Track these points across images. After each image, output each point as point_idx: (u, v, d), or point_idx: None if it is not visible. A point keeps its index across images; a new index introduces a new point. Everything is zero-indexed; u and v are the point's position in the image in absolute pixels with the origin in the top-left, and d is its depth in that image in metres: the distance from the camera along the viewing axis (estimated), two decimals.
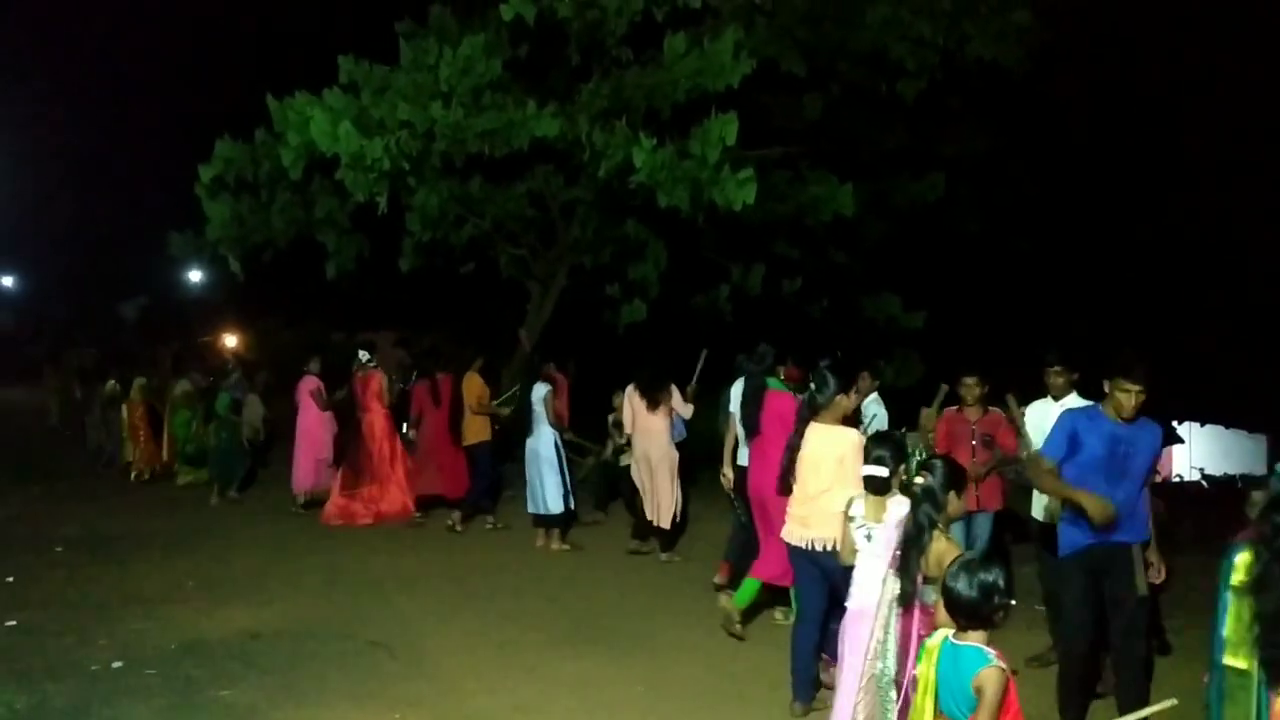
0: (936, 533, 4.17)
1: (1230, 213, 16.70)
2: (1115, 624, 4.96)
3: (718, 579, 7.65)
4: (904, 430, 7.16)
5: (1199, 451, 21.47)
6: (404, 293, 17.57)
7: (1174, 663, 6.03)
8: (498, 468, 10.69)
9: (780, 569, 6.45)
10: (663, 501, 8.80)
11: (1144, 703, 4.30)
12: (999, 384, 6.87)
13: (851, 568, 4.67)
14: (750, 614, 7.02)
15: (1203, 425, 22.26)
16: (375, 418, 10.85)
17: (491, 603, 7.68)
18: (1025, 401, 6.47)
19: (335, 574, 8.51)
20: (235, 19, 32.20)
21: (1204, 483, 15.23)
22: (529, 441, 9.47)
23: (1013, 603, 3.38)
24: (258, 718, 5.49)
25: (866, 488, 4.63)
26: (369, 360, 11.06)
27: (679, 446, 9.06)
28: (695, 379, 9.26)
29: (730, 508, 8.02)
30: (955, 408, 7.12)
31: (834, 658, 5.04)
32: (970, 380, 6.97)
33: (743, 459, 7.35)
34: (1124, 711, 4.25)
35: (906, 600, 4.24)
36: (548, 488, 9.32)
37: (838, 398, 5.40)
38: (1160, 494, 5.38)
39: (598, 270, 13.61)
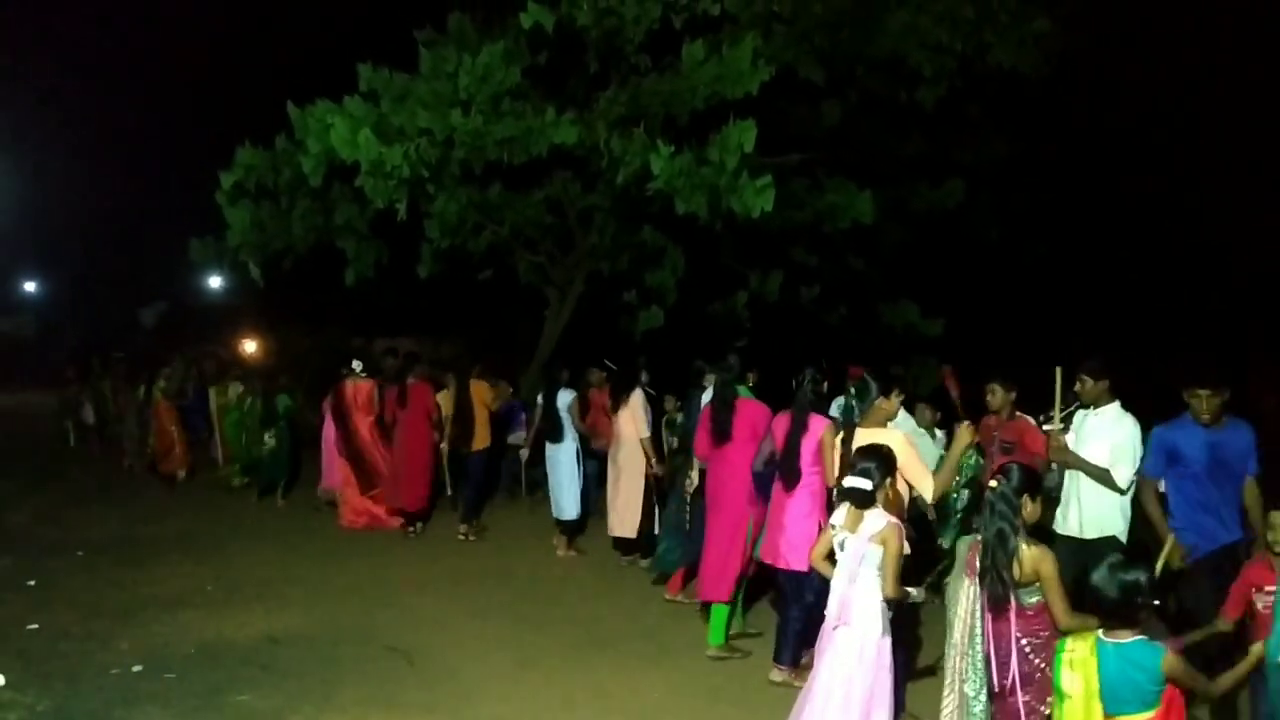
0: (1024, 540, 4.15)
1: (1250, 216, 16.57)
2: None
3: (668, 595, 7.84)
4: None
5: None
6: (422, 299, 17.60)
7: None
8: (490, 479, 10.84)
9: (730, 583, 6.57)
10: (628, 509, 8.84)
11: None
12: (1025, 391, 6.87)
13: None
14: (754, 619, 7.06)
15: None
16: (360, 425, 10.93)
17: (508, 609, 7.70)
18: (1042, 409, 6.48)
19: (354, 579, 8.54)
20: (257, 27, 32.45)
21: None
22: (550, 448, 9.61)
23: (1156, 602, 3.55)
24: None
25: (849, 499, 4.62)
26: (361, 369, 11.16)
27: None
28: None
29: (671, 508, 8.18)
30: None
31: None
32: (992, 387, 6.95)
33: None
34: None
35: (998, 603, 4.20)
36: (564, 493, 9.47)
37: (879, 401, 5.44)
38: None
39: (615, 277, 13.62)
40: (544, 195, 12.85)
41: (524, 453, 11.11)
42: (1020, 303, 16.70)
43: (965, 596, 4.40)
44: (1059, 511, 6.15)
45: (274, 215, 12.16)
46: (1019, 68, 11.21)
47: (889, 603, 4.54)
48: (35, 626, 7.09)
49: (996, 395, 6.92)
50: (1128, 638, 3.49)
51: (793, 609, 6.00)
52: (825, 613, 4.71)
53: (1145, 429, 5.86)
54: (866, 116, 12.68)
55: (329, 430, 11.36)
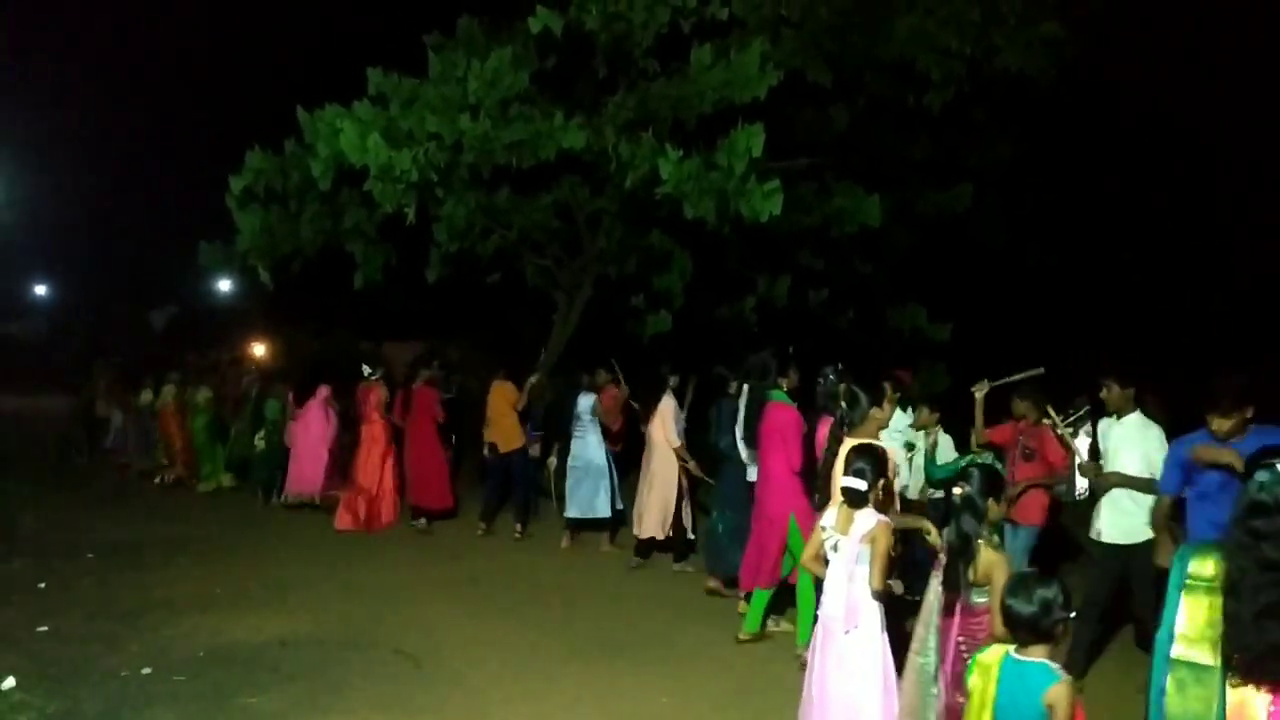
0: (982, 541, 4.17)
1: (1260, 222, 16.53)
2: None
3: (711, 584, 8.10)
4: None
5: None
6: (430, 303, 17.62)
7: None
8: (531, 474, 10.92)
9: (753, 573, 6.90)
10: (652, 511, 8.91)
11: None
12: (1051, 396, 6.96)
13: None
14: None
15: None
16: (374, 429, 11.15)
17: (515, 612, 7.71)
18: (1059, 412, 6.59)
19: (361, 581, 8.57)
20: (267, 32, 32.55)
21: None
22: (577, 449, 9.82)
23: (1072, 616, 3.42)
24: None
25: (844, 498, 4.65)
26: (372, 374, 11.36)
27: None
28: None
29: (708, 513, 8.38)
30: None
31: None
32: (1020, 392, 7.07)
33: (752, 475, 7.40)
34: None
35: (950, 604, 4.27)
36: (599, 492, 9.67)
37: (872, 411, 5.40)
38: None
39: (623, 281, 13.62)
40: (552, 199, 12.86)
41: (552, 461, 11.14)
42: (1027, 306, 16.68)
43: (933, 593, 4.45)
44: (1091, 519, 6.18)
45: (283, 219, 12.19)
46: (1027, 71, 11.19)
47: (876, 596, 4.56)
48: (45, 629, 7.12)
49: (1017, 401, 7.04)
50: (1037, 657, 3.37)
51: None
52: (821, 613, 4.70)
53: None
54: (874, 121, 12.68)
55: (316, 431, 11.64)
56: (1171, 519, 5.45)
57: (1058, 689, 3.26)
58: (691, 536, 9.15)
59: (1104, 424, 6.23)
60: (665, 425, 8.92)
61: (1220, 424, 4.97)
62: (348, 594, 8.17)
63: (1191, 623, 3.34)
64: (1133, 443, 5.97)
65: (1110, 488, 5.99)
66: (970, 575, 4.16)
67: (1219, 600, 3.33)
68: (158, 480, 13.71)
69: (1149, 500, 5.75)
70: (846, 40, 11.16)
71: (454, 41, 11.73)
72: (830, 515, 4.73)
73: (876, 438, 5.33)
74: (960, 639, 4.20)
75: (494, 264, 13.68)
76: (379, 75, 10.52)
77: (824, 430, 5.91)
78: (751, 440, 6.98)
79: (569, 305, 13.88)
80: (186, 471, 13.64)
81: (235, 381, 14.88)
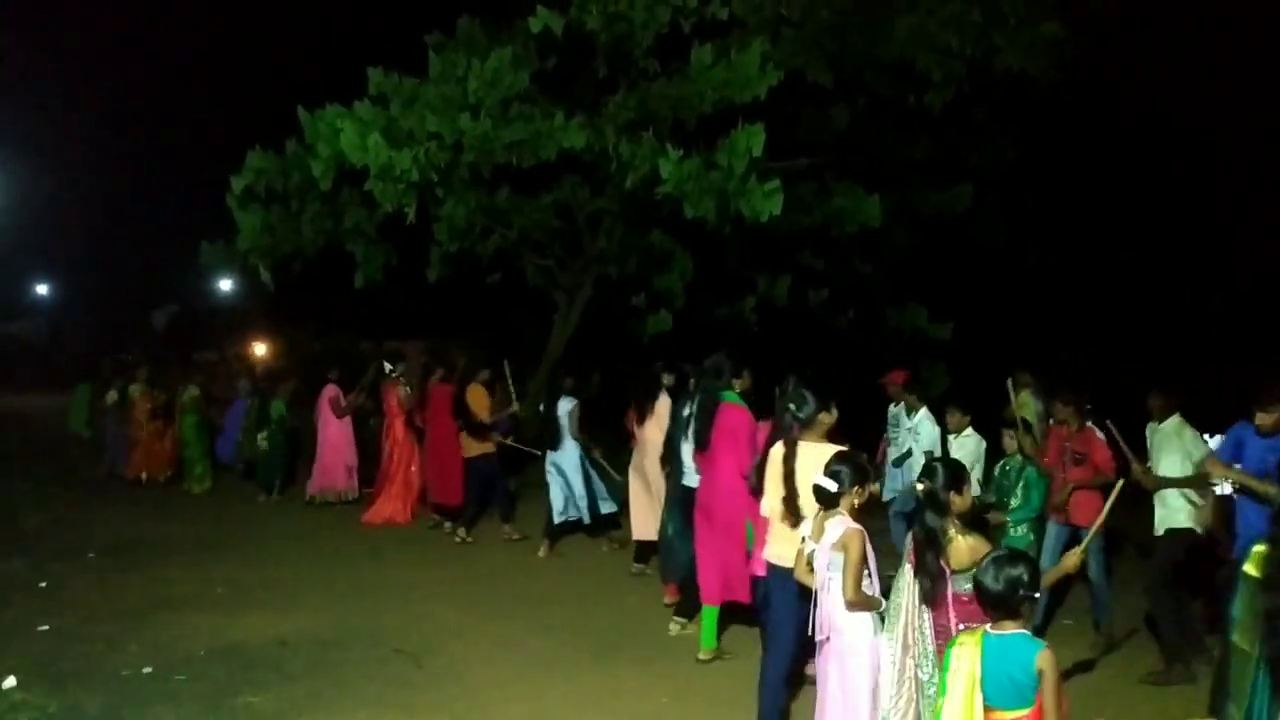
0: (954, 531, 4.26)
1: (1258, 222, 16.53)
2: None
3: (667, 599, 7.68)
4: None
5: None
6: (431, 302, 17.66)
7: None
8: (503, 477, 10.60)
9: (721, 585, 6.54)
10: (648, 513, 8.73)
11: None
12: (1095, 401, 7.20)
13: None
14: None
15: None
16: (395, 424, 11.16)
17: (516, 612, 7.70)
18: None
19: (362, 580, 8.57)
20: (268, 32, 32.56)
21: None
22: (552, 455, 9.54)
23: (1037, 596, 3.60)
24: None
25: (816, 498, 4.65)
26: (392, 371, 11.28)
27: None
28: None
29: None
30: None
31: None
32: (1062, 398, 7.23)
33: (691, 480, 7.06)
34: None
35: (930, 597, 4.32)
36: (577, 496, 9.46)
37: (820, 415, 5.19)
38: None
39: (623, 281, 13.63)
40: (552, 199, 12.87)
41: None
42: (1028, 306, 16.68)
43: (907, 587, 4.48)
44: (1157, 517, 6.54)
45: (284, 219, 12.21)
46: (1028, 71, 11.19)
47: (850, 606, 4.50)
48: (46, 628, 7.12)
49: (1062, 407, 7.16)
50: (1010, 629, 3.57)
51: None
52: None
53: (1138, 431, 6.67)
54: (874, 120, 12.69)
55: (324, 430, 11.70)
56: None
57: (1046, 654, 3.46)
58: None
59: (1148, 429, 6.73)
60: (662, 426, 8.68)
61: (1264, 419, 5.57)
62: (348, 593, 8.17)
63: (1243, 609, 3.40)
64: (1172, 445, 6.48)
65: (1158, 489, 6.45)
66: (954, 562, 4.25)
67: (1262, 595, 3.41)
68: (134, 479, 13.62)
69: (1192, 495, 6.37)
70: (847, 40, 11.18)
71: (454, 41, 11.75)
72: (807, 524, 4.72)
73: (826, 441, 5.18)
74: (961, 625, 4.20)
75: (494, 264, 13.70)
76: (379, 75, 10.53)
77: (763, 436, 5.76)
78: (702, 442, 6.62)
79: (569, 305, 13.89)
80: (157, 469, 13.58)
81: (225, 382, 14.89)
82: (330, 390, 12.02)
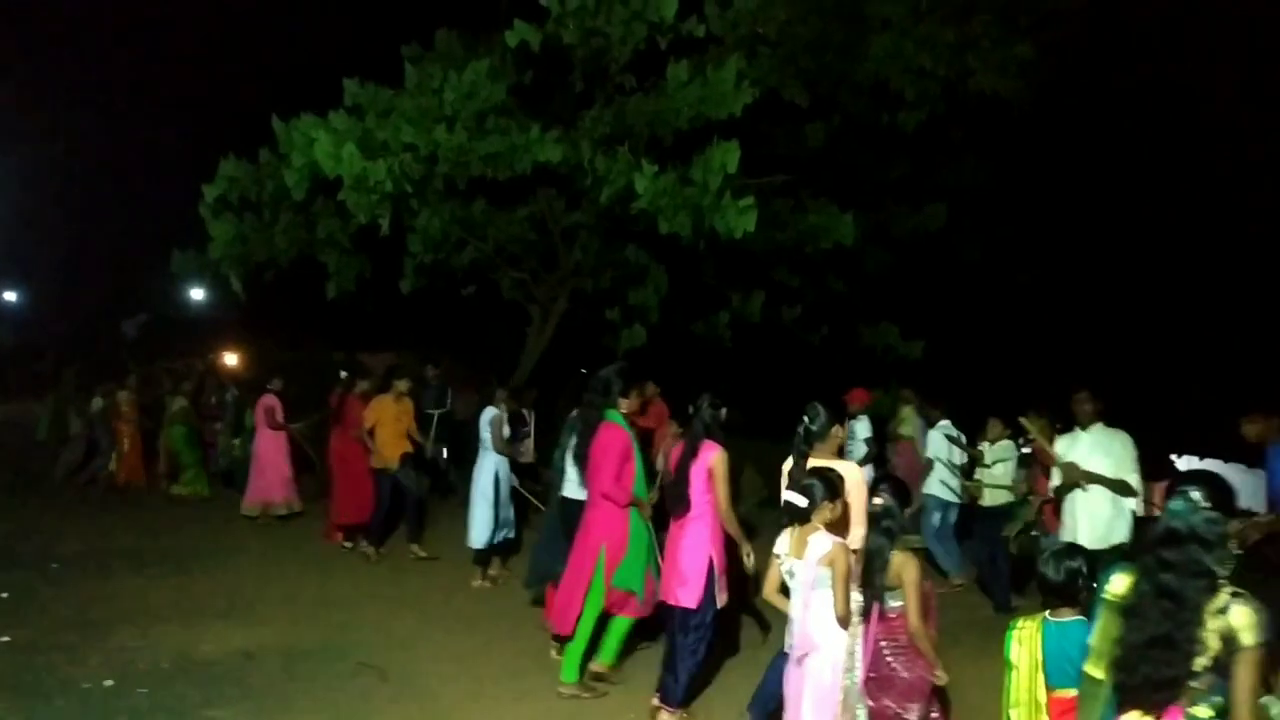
0: (897, 548, 4.45)
1: (1235, 240, 16.76)
2: None
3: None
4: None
5: None
6: (405, 314, 17.58)
7: None
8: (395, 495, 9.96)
9: (574, 618, 6.15)
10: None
11: None
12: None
13: None
14: (744, 627, 7.03)
15: (1201, 459, 22.20)
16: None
17: (483, 626, 7.67)
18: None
19: (328, 594, 8.50)
20: (243, 41, 32.44)
21: None
22: (474, 469, 9.06)
23: (1095, 585, 3.74)
24: None
25: (786, 513, 4.63)
26: (349, 382, 11.06)
27: None
28: None
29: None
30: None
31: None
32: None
33: (571, 491, 6.94)
34: None
35: (865, 611, 4.46)
36: (475, 520, 8.85)
37: (834, 429, 5.25)
38: None
39: (598, 295, 13.65)
40: (528, 212, 12.88)
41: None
42: (1001, 323, 16.83)
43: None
44: (1066, 525, 6.60)
45: (257, 228, 12.16)
46: (1000, 93, 11.32)
47: (842, 621, 4.49)
48: (7, 639, 7.01)
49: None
50: (1069, 616, 3.88)
51: (683, 650, 5.66)
52: (786, 649, 4.69)
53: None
54: (850, 139, 12.80)
55: (268, 442, 11.49)
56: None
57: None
58: None
59: (1067, 437, 6.75)
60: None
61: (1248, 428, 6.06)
62: (315, 606, 8.10)
63: (1100, 637, 3.38)
64: (1103, 449, 6.51)
65: (1085, 483, 6.45)
66: (884, 580, 4.42)
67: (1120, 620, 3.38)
68: (106, 481, 13.50)
69: (1125, 502, 6.41)
70: (822, 59, 11.28)
71: (431, 53, 11.76)
72: (782, 541, 4.65)
73: (838, 458, 5.24)
74: (881, 642, 4.39)
75: (469, 276, 13.68)
76: (355, 86, 10.52)
77: (708, 453, 5.70)
78: (580, 459, 6.43)
79: (544, 319, 13.88)
80: (137, 476, 13.46)
81: (210, 390, 14.77)
82: (267, 400, 11.52)
